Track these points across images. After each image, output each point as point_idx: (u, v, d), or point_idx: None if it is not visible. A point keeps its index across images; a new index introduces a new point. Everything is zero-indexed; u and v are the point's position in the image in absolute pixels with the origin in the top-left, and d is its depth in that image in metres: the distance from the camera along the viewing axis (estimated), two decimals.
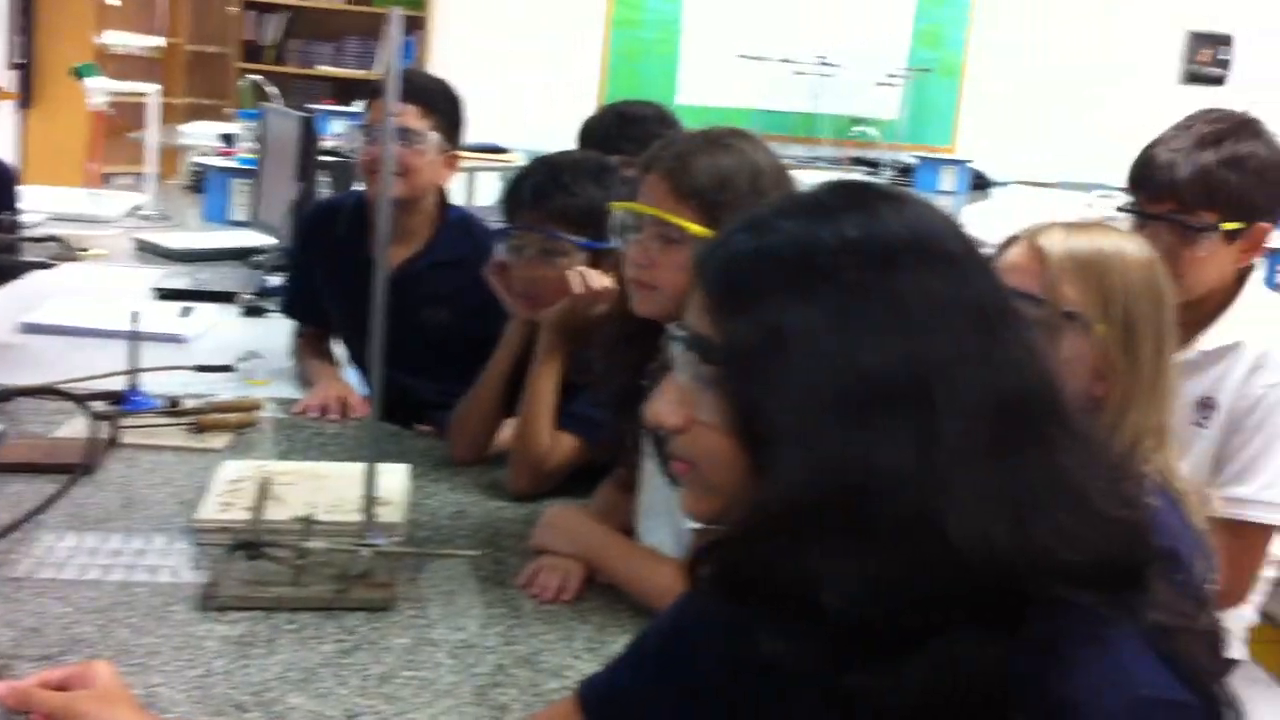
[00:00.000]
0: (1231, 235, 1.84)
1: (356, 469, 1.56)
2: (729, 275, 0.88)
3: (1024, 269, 1.39)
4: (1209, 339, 1.91)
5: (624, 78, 6.36)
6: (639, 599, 1.52)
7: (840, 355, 0.82)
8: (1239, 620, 2.05)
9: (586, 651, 1.44)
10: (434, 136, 2.34)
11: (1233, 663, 2.06)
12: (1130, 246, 1.40)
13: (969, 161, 6.37)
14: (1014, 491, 0.82)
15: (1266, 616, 3.51)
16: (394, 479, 1.79)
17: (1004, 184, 6.22)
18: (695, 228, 1.48)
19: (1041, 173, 6.38)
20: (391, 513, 1.68)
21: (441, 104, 2.38)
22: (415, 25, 6.33)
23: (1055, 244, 1.39)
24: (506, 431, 1.99)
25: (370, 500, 1.55)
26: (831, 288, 0.84)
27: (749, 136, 1.56)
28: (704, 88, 6.49)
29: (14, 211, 2.71)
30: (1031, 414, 0.85)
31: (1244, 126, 1.87)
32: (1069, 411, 0.88)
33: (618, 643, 1.41)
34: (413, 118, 2.31)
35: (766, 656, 0.84)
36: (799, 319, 0.83)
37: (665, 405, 0.90)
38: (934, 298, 0.84)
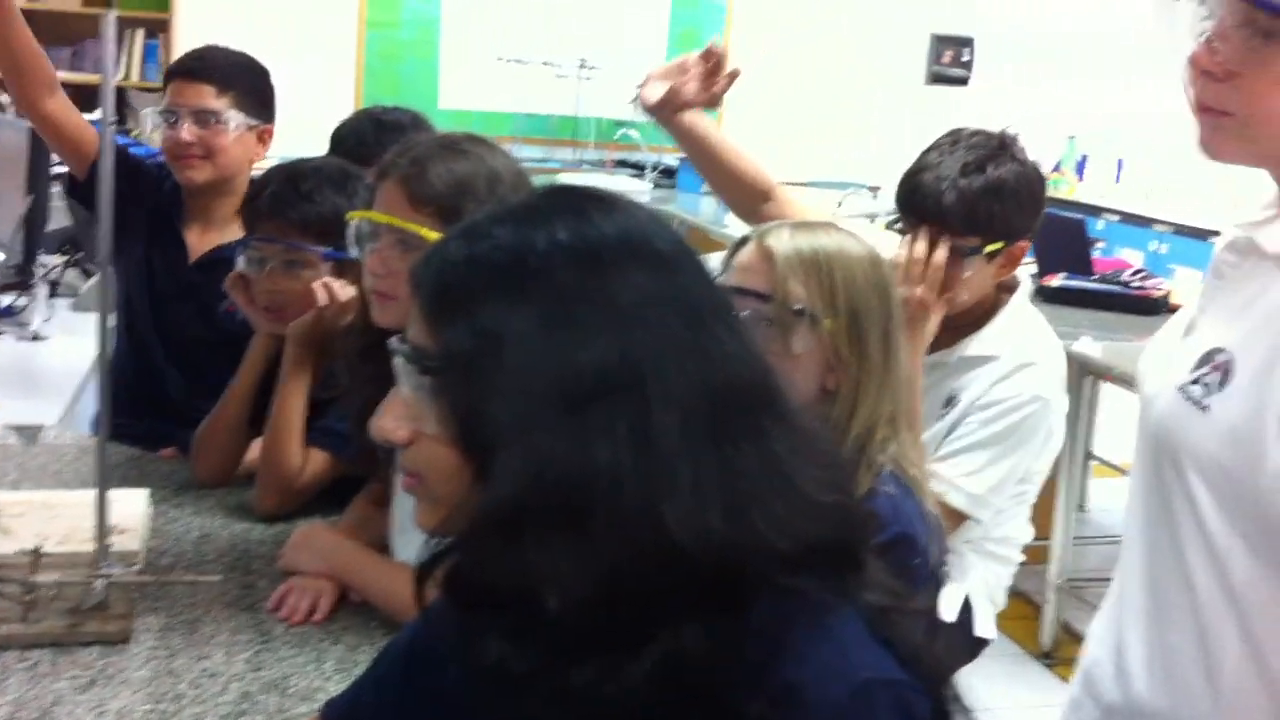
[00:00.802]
0: (992, 255, 1.95)
1: (90, 496, 1.49)
2: (443, 283, 0.88)
3: (753, 268, 1.44)
4: (970, 347, 2.02)
5: (383, 81, 6.25)
6: (392, 615, 1.50)
7: (554, 356, 0.84)
8: (989, 603, 2.16)
9: (338, 673, 1.42)
10: (234, 114, 2.24)
11: (983, 641, 2.17)
12: (853, 245, 1.46)
13: None
14: (730, 481, 0.85)
15: (1019, 594, 3.73)
16: (131, 505, 1.72)
17: None
18: (432, 235, 1.47)
19: (799, 172, 6.59)
20: (128, 540, 1.61)
21: (239, 80, 2.28)
22: (158, 28, 6.09)
23: (782, 243, 1.44)
24: (254, 450, 1.93)
25: (103, 528, 1.48)
26: (543, 290, 0.85)
27: (486, 142, 1.56)
28: (465, 92, 6.44)
29: None
30: (745, 405, 0.88)
31: (1002, 149, 1.98)
32: (783, 402, 0.92)
33: (370, 662, 1.39)
34: (209, 97, 2.22)
35: (497, 660, 0.84)
36: (512, 322, 0.84)
37: (390, 419, 0.90)
38: (644, 295, 0.86)
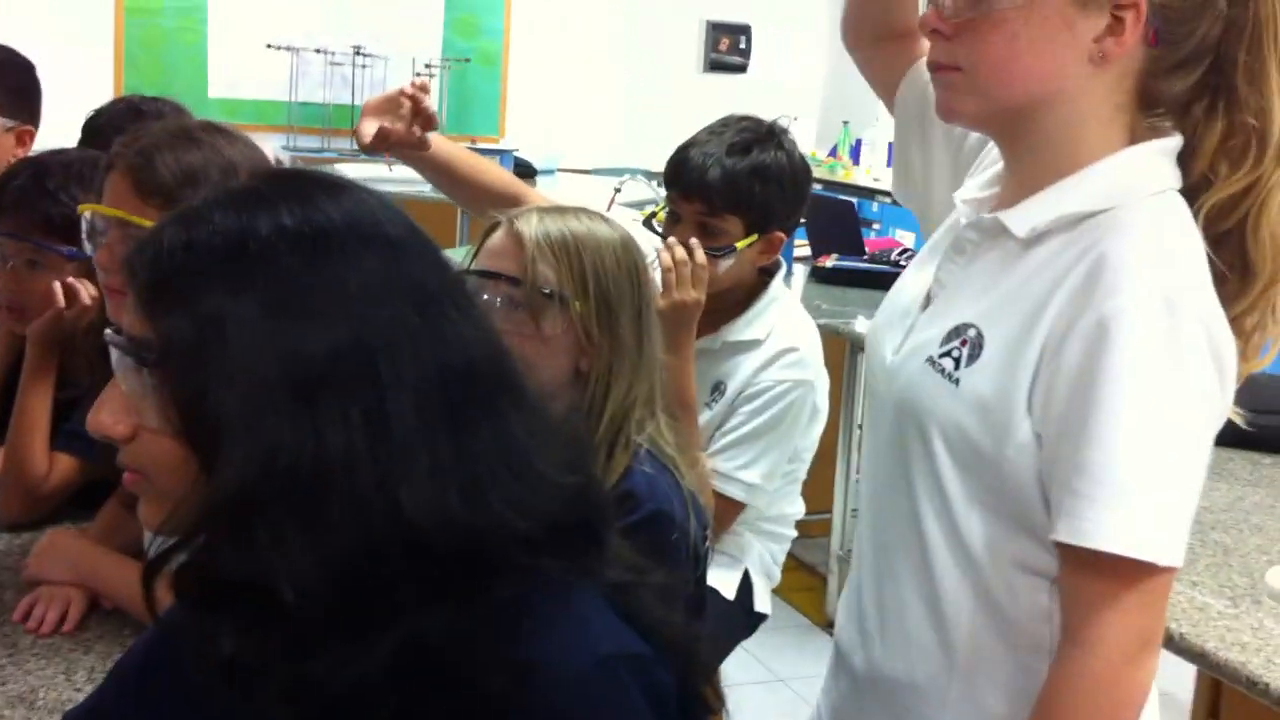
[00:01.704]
0: (755, 241, 1.99)
1: None
2: (159, 271, 0.85)
3: (503, 252, 1.45)
4: (732, 331, 2.06)
5: (146, 71, 6.00)
6: (144, 620, 1.45)
7: (280, 342, 0.82)
8: (765, 579, 2.22)
9: (89, 683, 1.36)
10: None
11: (762, 616, 2.23)
12: (603, 229, 1.48)
13: (515, 150, 6.51)
14: (466, 463, 0.85)
15: (804, 566, 3.84)
16: None
17: (550, 172, 6.41)
18: (143, 224, 1.42)
19: (583, 160, 6.61)
20: None
21: None
22: None
23: (531, 227, 1.45)
24: None
25: None
26: (267, 276, 0.84)
27: (226, 131, 1.51)
28: (236, 79, 6.25)
29: None
30: (480, 388, 0.88)
31: (770, 137, 2.03)
32: (520, 384, 0.92)
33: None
34: None
35: (231, 657, 0.82)
36: (234, 309, 0.82)
37: (108, 414, 0.87)
38: (372, 280, 0.85)
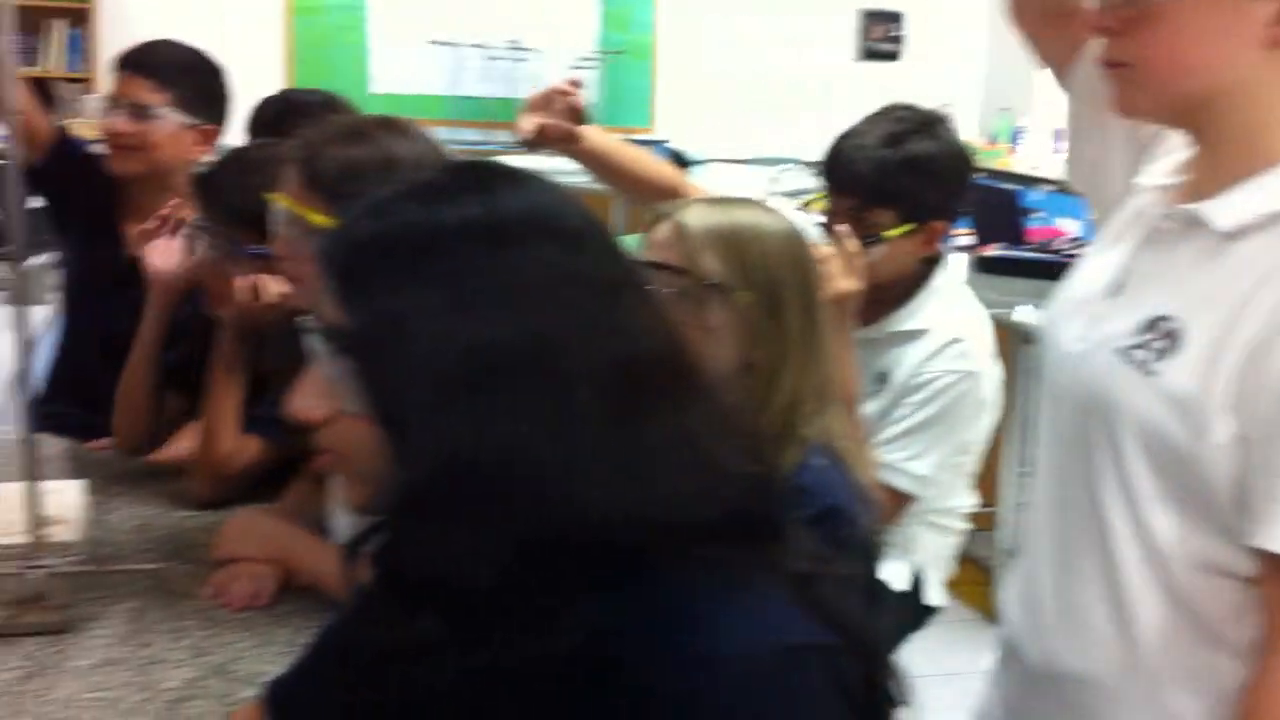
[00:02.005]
0: (911, 232, 1.97)
1: (22, 489, 1.48)
2: (350, 262, 0.88)
3: (667, 244, 1.46)
4: (895, 321, 2.04)
5: (313, 67, 6.19)
6: (334, 596, 1.50)
7: (461, 333, 0.84)
8: (937, 572, 2.20)
9: (283, 655, 1.41)
10: (169, 112, 2.22)
11: (933, 609, 2.21)
12: (769, 219, 1.47)
13: (666, 142, 6.53)
14: (645, 453, 0.85)
15: (972, 560, 3.78)
16: (67, 496, 1.70)
17: (703, 162, 6.41)
18: (321, 219, 1.47)
19: (736, 149, 6.60)
20: (66, 531, 1.60)
21: (180, 77, 2.25)
22: (78, 18, 6.00)
23: (695, 219, 1.45)
24: (189, 439, 1.93)
25: (38, 519, 1.47)
26: (449, 267, 0.86)
27: (398, 127, 1.54)
28: (396, 76, 6.40)
29: None
30: (656, 380, 0.88)
31: (926, 126, 2.00)
32: (696, 376, 0.92)
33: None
34: (146, 92, 2.21)
35: (414, 638, 0.85)
36: (419, 301, 0.85)
37: (306, 399, 0.90)
38: (551, 271, 0.87)
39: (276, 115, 2.57)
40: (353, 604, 1.07)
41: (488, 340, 0.84)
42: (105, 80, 5.45)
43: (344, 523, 1.56)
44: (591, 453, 0.84)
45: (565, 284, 0.87)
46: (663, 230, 1.49)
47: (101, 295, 2.30)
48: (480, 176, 0.92)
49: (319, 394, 0.90)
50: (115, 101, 2.23)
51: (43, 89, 5.73)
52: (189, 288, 1.93)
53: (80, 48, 6.05)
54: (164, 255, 1.94)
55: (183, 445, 1.94)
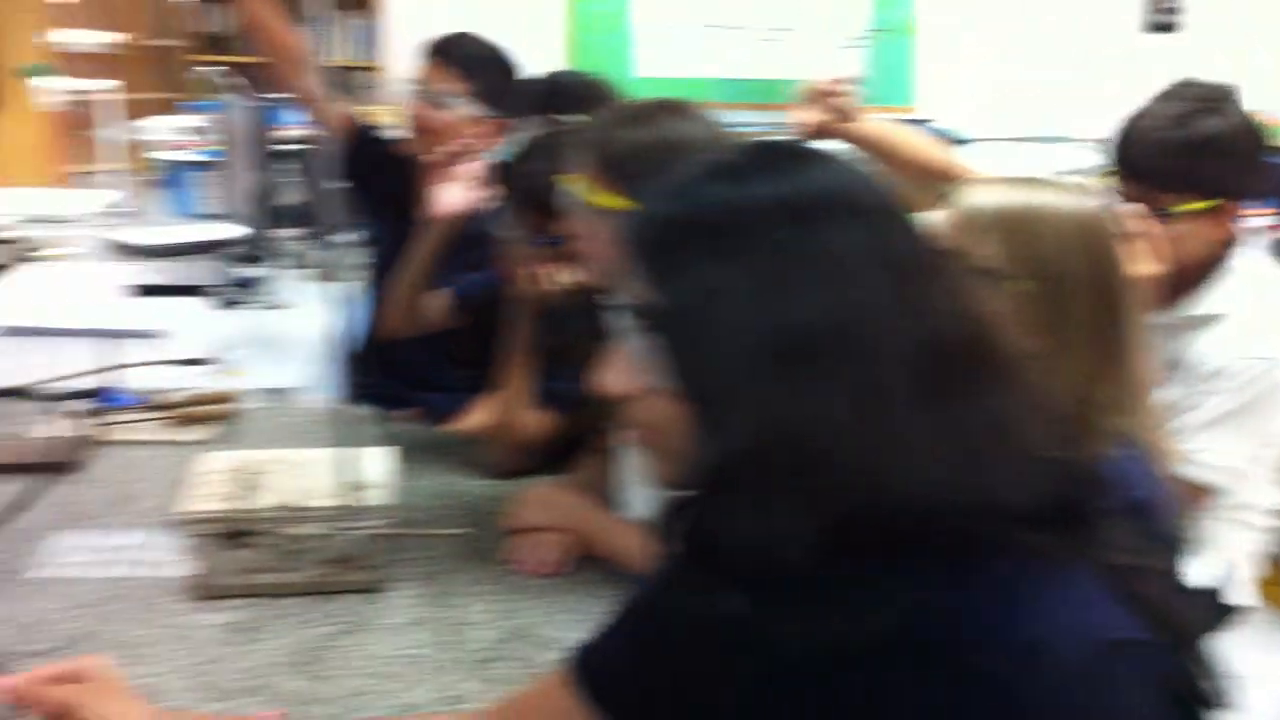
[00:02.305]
0: (1202, 214, 1.88)
1: (339, 454, 1.57)
2: (658, 241, 0.90)
3: (949, 227, 1.41)
4: (1190, 306, 1.95)
5: (586, 53, 6.33)
6: (627, 569, 1.54)
7: (768, 313, 0.84)
8: (1243, 570, 2.09)
9: (580, 622, 1.45)
10: (467, 104, 2.31)
11: (1239, 609, 2.10)
12: (1061, 202, 1.39)
13: (930, 121, 6.39)
14: (955, 436, 0.84)
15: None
16: (378, 463, 1.79)
17: (971, 141, 6.24)
18: (610, 199, 1.50)
19: (1008, 128, 6.39)
20: (377, 496, 1.69)
21: (481, 70, 2.34)
22: (357, 6, 6.31)
23: (978, 202, 1.40)
24: (484, 413, 2.00)
25: (354, 484, 1.56)
26: (755, 247, 0.86)
27: (680, 110, 1.56)
28: (661, 59, 6.46)
29: None
30: (964, 360, 0.87)
31: (1215, 104, 1.90)
32: (1004, 359, 0.90)
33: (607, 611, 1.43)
34: (447, 80, 2.31)
35: (723, 614, 0.86)
36: (728, 278, 0.85)
37: (613, 374, 0.92)
38: (855, 251, 0.86)
39: (541, 97, 2.63)
40: (658, 577, 1.09)
41: (797, 318, 0.84)
42: (393, 70, 5.73)
43: (637, 496, 1.60)
44: (905, 432, 0.83)
45: (871, 263, 0.86)
46: (944, 212, 1.44)
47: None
48: (781, 156, 0.92)
49: (627, 371, 0.92)
50: (420, 87, 2.33)
51: (334, 77, 6.08)
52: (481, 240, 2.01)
53: (366, 36, 6.35)
54: (449, 196, 2.02)
55: (480, 417, 2.02)
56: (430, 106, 2.30)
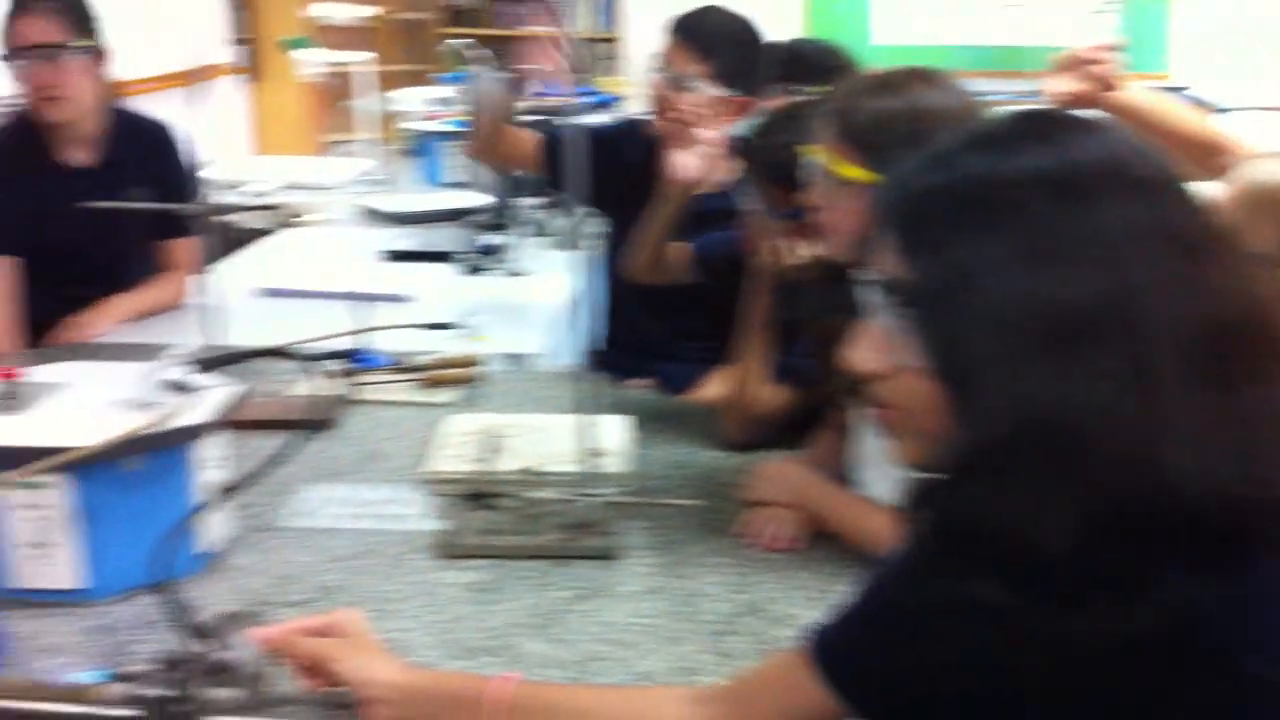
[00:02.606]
0: None
1: (576, 421, 1.59)
2: (914, 215, 0.87)
3: (1225, 202, 1.32)
4: None
5: (823, 20, 6.26)
6: (864, 549, 1.51)
7: (1035, 290, 0.81)
8: None
9: (813, 599, 1.44)
10: (704, 84, 2.30)
11: None
12: None
13: (1185, 89, 6.06)
14: (1234, 426, 0.79)
15: None
16: (615, 431, 1.82)
17: (1227, 110, 5.90)
18: (854, 171, 1.46)
19: (1267, 95, 6.01)
20: (614, 463, 1.71)
21: (722, 49, 2.33)
22: None
23: (1247, 181, 1.30)
24: (719, 385, 2.01)
25: (591, 451, 1.58)
26: (1020, 221, 0.82)
27: (931, 78, 1.51)
28: (900, 26, 6.33)
29: (188, 180, 2.82)
30: (1244, 344, 0.81)
31: None
32: None
33: (843, 591, 1.41)
34: (686, 61, 2.30)
35: (985, 603, 0.83)
36: (990, 255, 0.82)
37: (864, 351, 0.90)
38: (1129, 226, 0.81)
39: (782, 65, 2.60)
40: (903, 560, 1.07)
41: (1064, 296, 0.80)
42: (631, 41, 5.76)
43: (876, 475, 1.57)
44: (1180, 418, 0.78)
45: (1146, 239, 0.82)
46: (1220, 188, 1.35)
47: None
48: (1047, 125, 0.88)
49: (878, 347, 0.90)
50: (660, 65, 2.33)
51: (576, 50, 6.17)
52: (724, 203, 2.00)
53: (609, 10, 6.42)
54: (687, 162, 2.02)
55: (715, 388, 2.02)
56: (671, 87, 2.30)
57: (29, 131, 2.58)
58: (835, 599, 1.24)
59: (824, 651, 1.01)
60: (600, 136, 2.46)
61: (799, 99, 1.99)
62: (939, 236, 0.85)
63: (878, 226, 0.90)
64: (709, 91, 2.29)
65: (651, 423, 1.96)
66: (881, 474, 1.55)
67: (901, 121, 1.47)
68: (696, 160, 2.01)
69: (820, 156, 1.53)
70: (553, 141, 2.50)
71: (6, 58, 2.49)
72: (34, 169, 2.58)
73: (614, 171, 2.37)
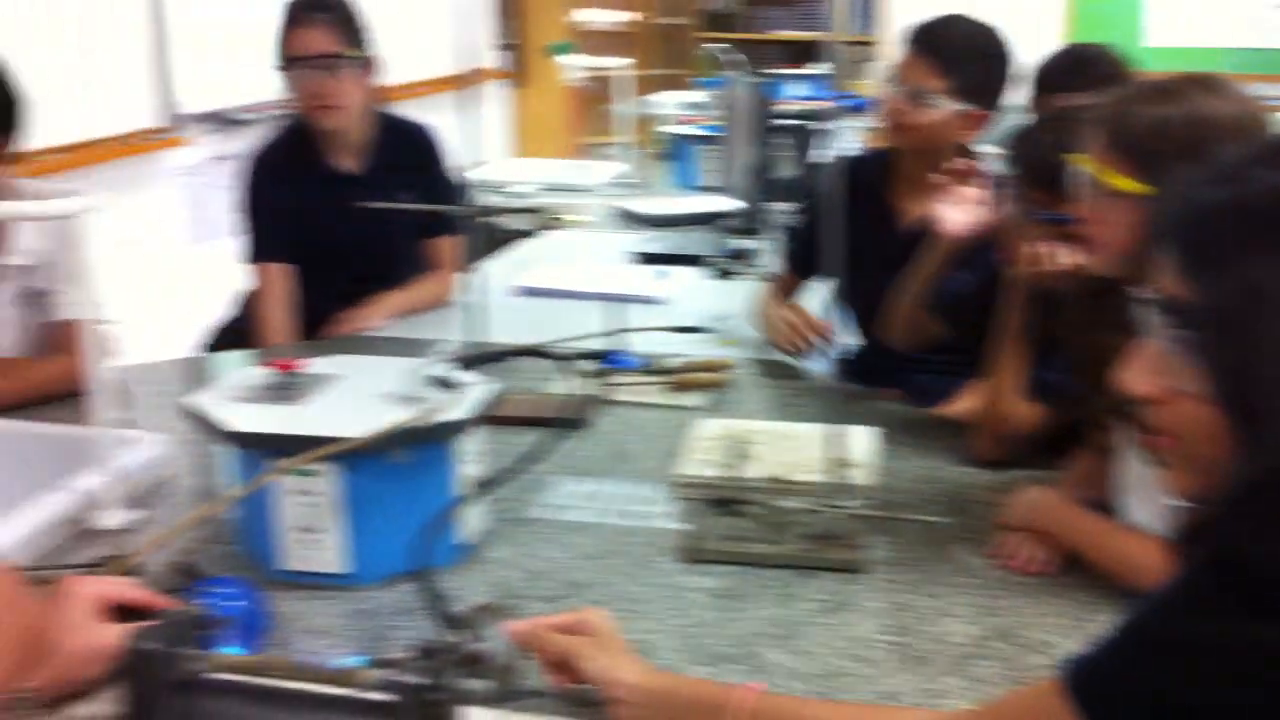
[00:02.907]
0: None
1: (824, 431, 1.58)
2: (1200, 232, 0.82)
3: None
4: None
5: (1089, 20, 6.04)
6: (1124, 581, 1.44)
7: None
8: None
9: (1068, 628, 1.39)
10: (946, 99, 2.25)
11: None
12: None
13: None
14: None
15: None
16: (862, 442, 1.79)
17: None
18: (1125, 182, 1.39)
19: None
20: (861, 475, 1.69)
21: (964, 63, 2.26)
22: None
23: None
24: (971, 399, 1.95)
25: (839, 462, 1.57)
26: None
27: (1211, 85, 1.42)
28: (1173, 28, 6.04)
29: (450, 182, 2.92)
30: None
31: None
32: None
33: (1100, 621, 1.36)
34: (925, 76, 2.25)
35: (1266, 646, 0.78)
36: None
37: (1139, 375, 0.86)
38: None
39: (1063, 71, 2.51)
40: (1173, 594, 1.01)
41: None
42: (890, 44, 5.68)
43: (1140, 504, 1.50)
44: None
45: None
46: None
47: (877, 265, 2.40)
48: None
49: (1153, 370, 0.85)
50: (897, 80, 2.28)
51: (835, 54, 6.13)
52: (976, 243, 1.95)
53: (870, 12, 6.35)
54: (956, 208, 1.97)
55: (967, 403, 1.97)
56: (907, 102, 2.25)
57: (301, 139, 2.74)
58: (1092, 629, 1.20)
59: (1082, 686, 0.97)
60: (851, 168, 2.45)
61: (1070, 102, 1.92)
62: (1227, 256, 0.81)
63: (1155, 242, 0.86)
64: (948, 106, 2.23)
65: (900, 435, 1.92)
66: (1146, 502, 1.48)
67: (1178, 131, 1.40)
68: (965, 215, 1.95)
69: (1089, 165, 1.47)
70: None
71: (283, 67, 2.64)
72: (305, 175, 2.74)
73: (858, 200, 2.35)
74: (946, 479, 1.82)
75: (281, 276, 2.74)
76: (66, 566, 1.41)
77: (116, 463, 1.63)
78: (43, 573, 1.42)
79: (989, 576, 1.51)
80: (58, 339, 2.19)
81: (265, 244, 2.76)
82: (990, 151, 1.98)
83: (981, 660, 1.32)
